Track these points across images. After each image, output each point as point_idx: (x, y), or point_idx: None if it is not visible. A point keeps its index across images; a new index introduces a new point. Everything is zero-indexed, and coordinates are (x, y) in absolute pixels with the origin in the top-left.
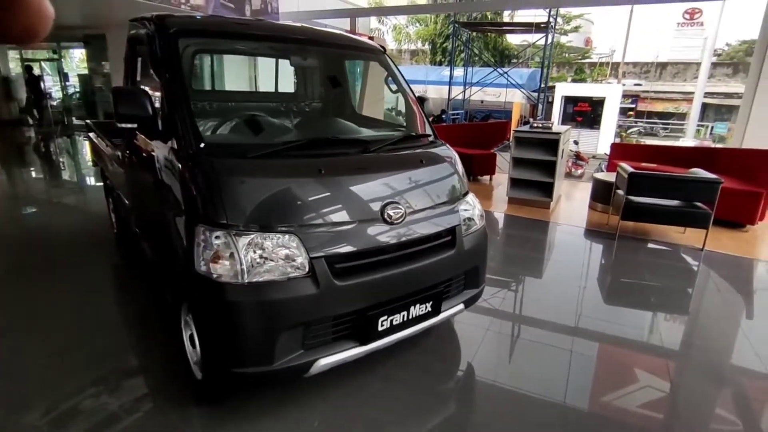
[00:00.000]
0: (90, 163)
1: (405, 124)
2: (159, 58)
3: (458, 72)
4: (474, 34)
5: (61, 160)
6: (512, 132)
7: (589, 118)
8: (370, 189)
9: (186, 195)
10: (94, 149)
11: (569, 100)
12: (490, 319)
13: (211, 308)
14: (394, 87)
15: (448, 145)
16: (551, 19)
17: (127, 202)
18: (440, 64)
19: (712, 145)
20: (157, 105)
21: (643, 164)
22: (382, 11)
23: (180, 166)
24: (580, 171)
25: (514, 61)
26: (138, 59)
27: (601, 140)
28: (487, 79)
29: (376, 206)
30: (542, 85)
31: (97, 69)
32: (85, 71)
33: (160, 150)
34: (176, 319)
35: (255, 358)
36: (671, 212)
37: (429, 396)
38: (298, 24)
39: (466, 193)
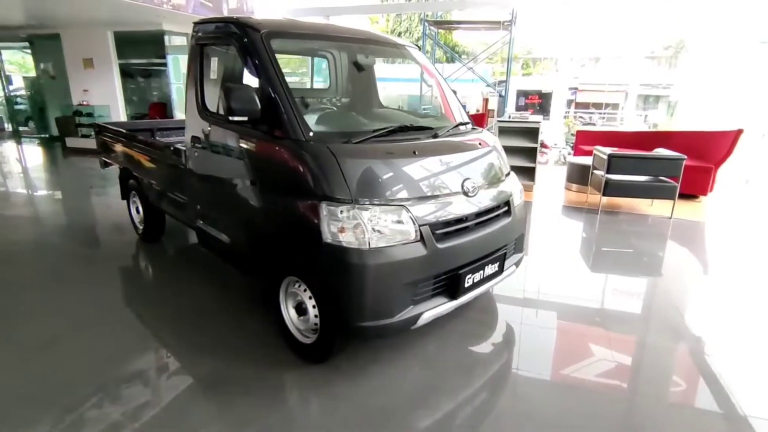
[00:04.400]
0: (102, 168)
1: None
2: (256, 57)
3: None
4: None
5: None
6: (495, 122)
7: (539, 109)
8: (451, 167)
9: (302, 178)
10: (117, 151)
11: (521, 93)
12: (515, 288)
13: (342, 271)
14: (431, 82)
15: (486, 130)
16: (513, 18)
17: (180, 198)
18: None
19: (660, 130)
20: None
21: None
22: (360, 10)
23: (293, 153)
24: (545, 158)
25: (471, 58)
26: (210, 59)
27: (552, 129)
28: (454, 75)
29: (457, 181)
30: (506, 79)
31: (47, 71)
32: (31, 74)
33: (262, 141)
34: (273, 295)
35: (379, 312)
36: (646, 187)
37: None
38: (356, 28)
39: (509, 172)
